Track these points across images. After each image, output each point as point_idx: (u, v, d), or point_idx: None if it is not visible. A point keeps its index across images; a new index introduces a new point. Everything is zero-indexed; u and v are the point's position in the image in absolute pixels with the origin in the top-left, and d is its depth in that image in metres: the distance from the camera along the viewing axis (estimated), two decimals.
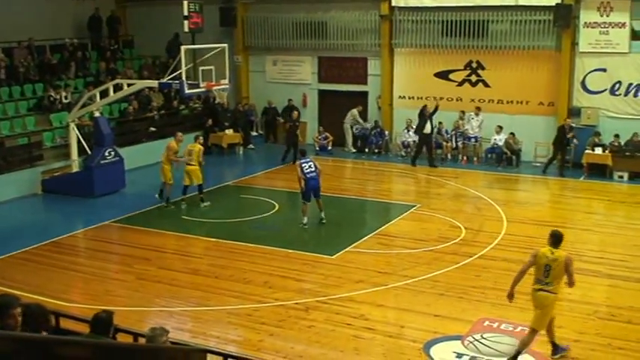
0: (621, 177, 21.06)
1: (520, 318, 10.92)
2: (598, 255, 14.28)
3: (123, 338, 7.04)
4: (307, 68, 26.58)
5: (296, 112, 24.32)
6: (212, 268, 13.40)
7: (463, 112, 23.82)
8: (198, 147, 17.59)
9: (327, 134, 25.19)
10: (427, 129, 22.53)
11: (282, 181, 20.60)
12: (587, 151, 21.67)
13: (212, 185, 19.44)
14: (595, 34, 22.16)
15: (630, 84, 22.02)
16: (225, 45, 19.21)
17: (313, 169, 15.89)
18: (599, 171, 21.31)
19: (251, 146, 25.66)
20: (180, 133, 18.14)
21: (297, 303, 11.60)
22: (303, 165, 15.99)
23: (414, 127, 23.47)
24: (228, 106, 25.64)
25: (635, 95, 22.05)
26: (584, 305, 11.59)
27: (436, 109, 22.68)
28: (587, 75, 22.51)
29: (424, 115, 22.56)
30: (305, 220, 15.93)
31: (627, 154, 21.23)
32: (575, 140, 21.83)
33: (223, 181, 20.71)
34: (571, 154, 22.21)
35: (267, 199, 18.16)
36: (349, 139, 25.21)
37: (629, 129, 21.60)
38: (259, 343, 10.19)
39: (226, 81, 19.06)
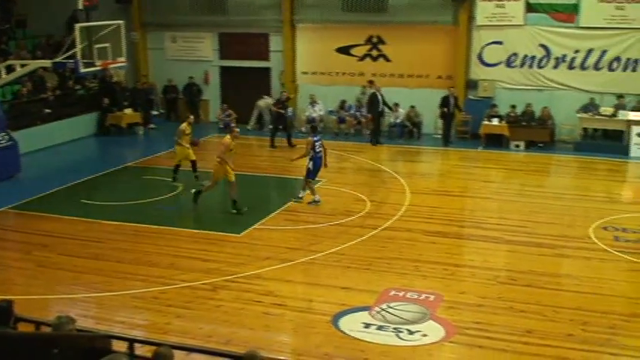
0: (517, 146, 21.79)
1: (424, 285, 11.19)
2: (497, 222, 14.74)
3: (24, 328, 6.77)
4: (208, 45, 26.15)
5: (285, 93, 23.37)
6: (114, 252, 13.04)
7: (364, 87, 24.01)
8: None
9: (231, 112, 24.89)
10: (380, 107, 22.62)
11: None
12: (484, 122, 22.28)
13: (112, 167, 18.89)
14: (491, 8, 22.72)
15: (525, 56, 22.72)
16: (121, 22, 18.64)
17: (321, 149, 15.87)
18: (496, 141, 21.96)
19: (152, 126, 25.09)
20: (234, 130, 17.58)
21: (204, 283, 11.45)
22: (316, 142, 15.82)
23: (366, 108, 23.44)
24: (127, 85, 24.93)
25: (531, 67, 22.77)
26: (486, 271, 11.95)
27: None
28: (484, 48, 23.08)
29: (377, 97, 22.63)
30: (317, 197, 15.77)
31: (523, 124, 21.96)
32: (458, 111, 22.55)
33: (124, 163, 20.16)
34: (452, 123, 22.82)
35: (171, 180, 17.82)
36: (266, 118, 24.97)
37: (525, 100, 22.33)
38: (166, 326, 10.01)
39: (123, 59, 18.51)
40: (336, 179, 18.08)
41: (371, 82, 23.32)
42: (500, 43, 22.89)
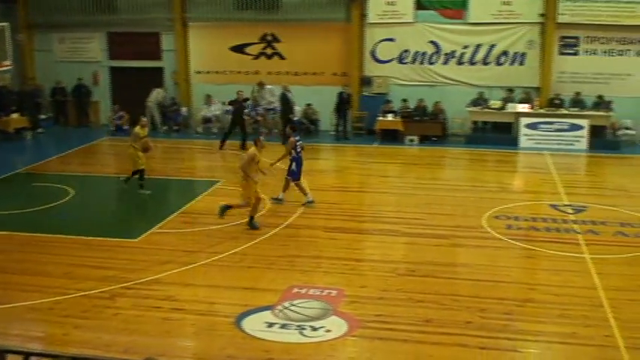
0: (412, 140, 22.25)
1: (326, 281, 11.21)
2: (395, 215, 14.98)
3: None
4: (97, 45, 25.44)
5: (242, 93, 22.64)
6: (5, 264, 12.43)
7: (260, 86, 23.91)
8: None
9: (123, 113, 24.28)
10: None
11: (76, 165, 19.63)
12: (379, 118, 22.63)
13: (0, 174, 18.06)
14: (382, 5, 23.10)
15: (417, 52, 23.23)
16: (6, 24, 17.83)
17: (301, 148, 15.61)
18: (391, 136, 22.35)
19: (40, 130, 24.12)
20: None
21: (101, 291, 11.07)
22: (298, 142, 15.51)
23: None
24: (12, 89, 23.90)
25: (422, 63, 23.30)
26: (386, 264, 12.11)
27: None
28: (377, 45, 23.43)
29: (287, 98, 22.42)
30: (310, 197, 15.44)
31: (416, 119, 22.44)
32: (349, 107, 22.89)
33: (13, 170, 19.30)
34: (348, 119, 23.08)
35: (62, 186, 17.17)
36: (157, 118, 24.43)
37: (418, 95, 22.84)
38: (64, 337, 9.62)
39: (8, 62, 17.72)
40: (235, 179, 17.89)
41: (261, 84, 23.30)
42: (392, 40, 23.30)
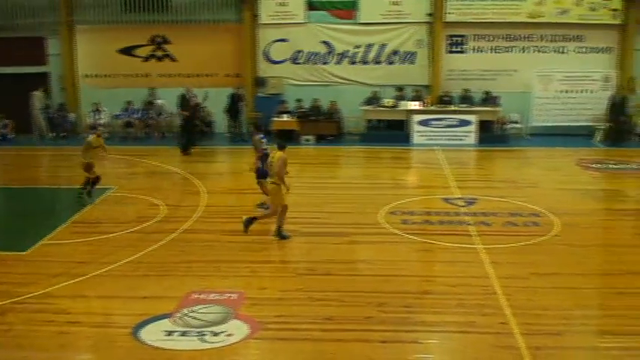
0: (308, 140, 22.36)
1: (226, 285, 11.07)
2: (294, 215, 14.89)
3: None
4: None
5: (195, 98, 21.72)
6: None
7: (152, 89, 23.45)
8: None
9: (7, 121, 23.25)
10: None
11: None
12: (275, 119, 22.61)
13: None
14: (274, 6, 23.11)
15: (310, 52, 23.35)
16: None
17: (267, 146, 15.05)
18: (287, 136, 22.34)
19: None
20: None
21: None
22: (263, 139, 15.05)
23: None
24: None
25: (315, 63, 23.45)
26: (285, 264, 12.10)
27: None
28: (270, 45, 23.40)
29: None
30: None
31: (312, 118, 22.55)
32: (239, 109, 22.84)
33: None
34: (241, 121, 23.00)
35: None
36: (42, 125, 23.51)
37: (313, 95, 22.97)
38: None
39: None
40: (127, 186, 17.46)
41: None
42: (285, 40, 23.34)
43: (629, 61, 23.02)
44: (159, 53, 23.91)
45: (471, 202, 15.63)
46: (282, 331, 9.58)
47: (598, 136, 22.82)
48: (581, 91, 23.20)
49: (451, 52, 23.32)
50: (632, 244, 13.32)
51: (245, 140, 22.49)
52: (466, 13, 22.76)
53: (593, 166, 19.54)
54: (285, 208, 13.31)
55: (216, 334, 9.49)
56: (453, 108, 22.73)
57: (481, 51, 23.36)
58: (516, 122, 23.26)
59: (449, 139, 22.17)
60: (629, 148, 21.96)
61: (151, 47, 23.85)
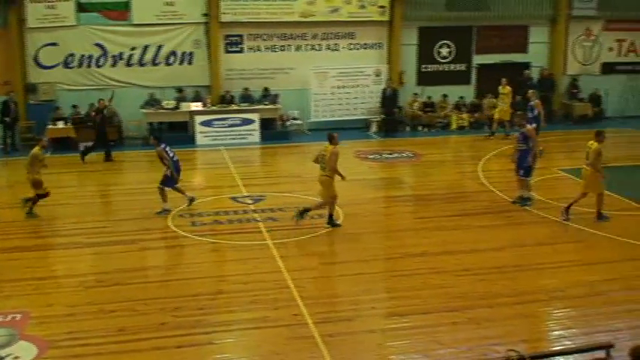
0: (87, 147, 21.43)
1: (9, 306, 10.43)
2: (76, 227, 14.33)
3: None
4: None
5: (103, 102, 20.27)
6: None
7: None
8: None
9: None
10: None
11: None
12: (49, 127, 21.48)
13: None
14: (42, 9, 21.93)
15: (83, 56, 22.44)
16: None
17: (173, 153, 15.05)
18: (64, 144, 21.35)
19: None
20: None
21: None
22: (167, 148, 14.83)
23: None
24: None
25: (89, 66, 22.58)
26: (72, 278, 11.54)
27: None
28: (39, 50, 22.20)
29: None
30: (168, 206, 14.91)
31: (89, 124, 21.65)
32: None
33: None
34: (15, 130, 21.77)
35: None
36: None
37: (89, 100, 22.07)
38: None
39: None
40: None
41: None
42: (55, 44, 22.23)
43: (397, 55, 24.55)
44: None
45: (258, 200, 15.89)
46: (74, 347, 9.17)
47: (373, 128, 24.12)
48: (356, 86, 24.39)
49: (229, 51, 23.49)
50: (410, 227, 14.26)
51: (18, 150, 21.12)
52: (241, 13, 23.03)
53: (370, 157, 20.64)
54: (335, 197, 13.89)
55: (2, 358, 8.88)
56: (234, 107, 22.93)
57: (258, 50, 23.77)
58: (296, 119, 23.96)
59: (233, 139, 22.35)
60: (401, 138, 23.44)
61: None
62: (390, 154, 21.02)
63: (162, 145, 14.99)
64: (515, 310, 10.32)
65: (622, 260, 12.29)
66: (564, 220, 14.14)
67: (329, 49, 24.34)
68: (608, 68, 26.52)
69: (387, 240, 13.82)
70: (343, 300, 10.65)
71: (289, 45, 24.00)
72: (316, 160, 14.13)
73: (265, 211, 15.04)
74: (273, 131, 23.17)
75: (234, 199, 16.16)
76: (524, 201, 15.32)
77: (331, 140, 13.80)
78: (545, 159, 18.47)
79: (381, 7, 24.03)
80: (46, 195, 15.05)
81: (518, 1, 24.86)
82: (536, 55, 25.65)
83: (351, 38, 24.44)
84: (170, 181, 15.02)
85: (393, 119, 24.02)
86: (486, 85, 25.04)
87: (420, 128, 24.51)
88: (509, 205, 15.28)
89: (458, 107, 24.86)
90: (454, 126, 24.54)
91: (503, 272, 11.75)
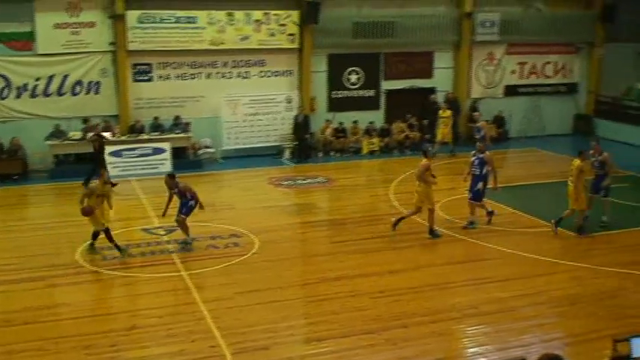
0: None
1: None
2: None
3: None
4: None
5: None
6: None
7: None
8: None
9: None
10: None
11: None
12: None
13: None
14: None
15: None
16: None
17: None
18: None
19: None
20: None
21: None
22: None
23: None
24: None
25: None
26: None
27: None
28: None
29: None
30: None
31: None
32: None
33: None
34: None
35: None
36: None
37: None
38: None
39: None
40: None
41: None
42: None
43: (307, 82, 24.75)
44: None
45: (171, 230, 15.61)
46: None
47: (286, 155, 24.19)
48: (267, 113, 24.41)
49: (137, 80, 23.13)
50: (326, 252, 14.33)
51: None
52: (149, 42, 22.73)
53: (284, 183, 20.67)
54: (434, 205, 15.07)
55: None
56: (145, 137, 22.56)
57: (168, 78, 23.50)
58: (209, 147, 23.77)
59: (143, 169, 21.92)
60: (314, 163, 23.58)
61: None
62: (304, 179, 21.10)
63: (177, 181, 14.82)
64: (430, 328, 10.50)
65: (531, 276, 12.71)
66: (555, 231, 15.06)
67: (240, 76, 24.32)
68: (511, 90, 27.51)
69: (303, 265, 13.84)
70: (261, 328, 10.57)
71: (200, 73, 23.85)
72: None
73: (179, 242, 14.80)
74: (185, 160, 22.88)
75: (146, 230, 15.85)
76: (471, 224, 15.79)
77: (425, 154, 15.24)
78: (451, 180, 18.97)
79: (291, 34, 24.23)
80: (106, 231, 14.28)
81: (423, 27, 25.49)
82: (441, 79, 26.33)
83: (262, 66, 24.51)
84: (191, 210, 14.66)
85: (305, 145, 24.16)
86: (395, 110, 25.61)
87: (332, 154, 24.72)
88: (420, 226, 15.56)
89: (368, 132, 25.23)
90: (365, 150, 24.88)
91: (418, 292, 11.96)
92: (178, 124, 23.08)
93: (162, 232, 15.57)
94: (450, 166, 21.91)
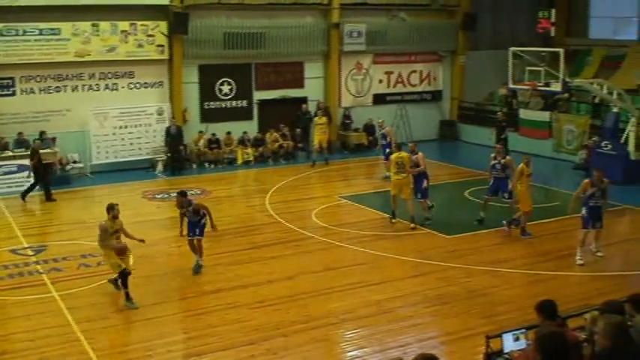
0: None
1: None
2: None
3: None
4: None
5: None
6: None
7: None
8: None
9: None
10: None
11: None
12: None
13: None
14: None
15: None
16: None
17: None
18: None
19: None
20: None
21: None
22: None
23: None
24: None
25: None
26: None
27: None
28: None
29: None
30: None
31: None
32: None
33: None
34: None
35: None
36: None
37: None
38: None
39: None
40: None
41: None
42: None
43: (179, 93, 24.45)
44: None
45: (40, 250, 15.05)
46: None
47: (159, 167, 23.79)
48: (138, 126, 23.92)
49: (0, 95, 22.14)
50: (204, 265, 14.19)
51: None
52: (12, 54, 21.80)
53: (158, 196, 20.33)
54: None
55: None
56: (9, 154, 21.58)
57: (32, 92, 22.60)
58: (77, 162, 23.02)
59: (9, 187, 20.95)
60: (189, 175, 23.31)
61: None
62: None
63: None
64: (309, 335, 10.66)
65: (404, 278, 13.16)
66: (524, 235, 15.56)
67: (108, 88, 23.72)
68: (380, 99, 28.29)
69: (180, 280, 13.66)
70: (137, 347, 10.39)
71: (65, 85, 23.08)
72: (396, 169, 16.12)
73: (48, 262, 14.28)
74: (53, 176, 22.04)
75: (13, 251, 15.18)
76: (427, 220, 16.49)
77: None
78: (325, 188, 19.35)
79: (160, 45, 23.87)
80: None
81: (292, 38, 25.79)
82: (312, 89, 26.71)
83: (131, 77, 24.01)
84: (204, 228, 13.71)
85: (178, 157, 23.87)
86: (268, 120, 25.75)
87: (206, 165, 24.55)
88: (297, 234, 15.75)
89: (242, 142, 25.24)
90: (240, 161, 24.86)
91: (296, 300, 12.11)
92: (44, 140, 22.13)
93: (31, 253, 14.97)
94: (326, 173, 22.33)
